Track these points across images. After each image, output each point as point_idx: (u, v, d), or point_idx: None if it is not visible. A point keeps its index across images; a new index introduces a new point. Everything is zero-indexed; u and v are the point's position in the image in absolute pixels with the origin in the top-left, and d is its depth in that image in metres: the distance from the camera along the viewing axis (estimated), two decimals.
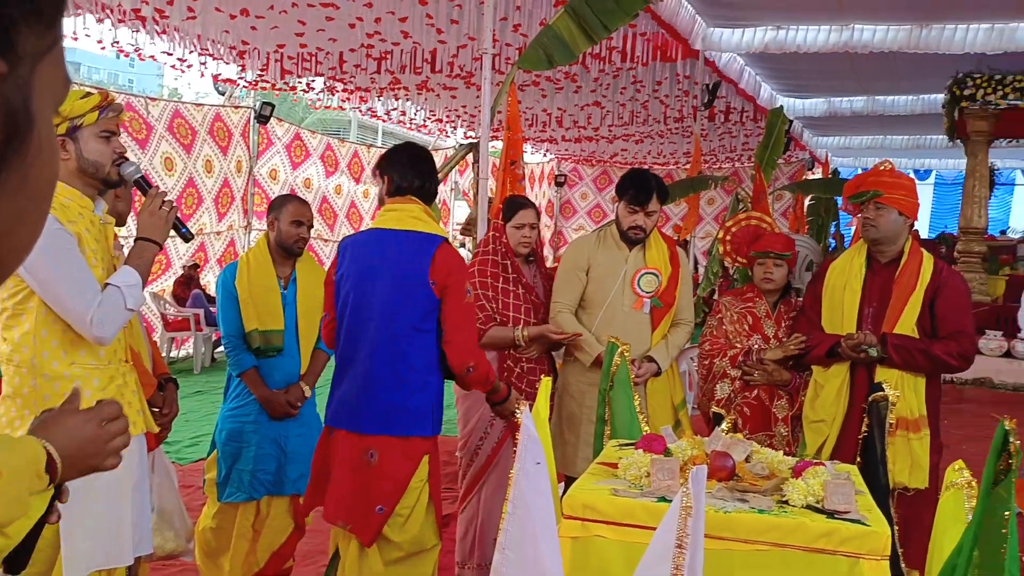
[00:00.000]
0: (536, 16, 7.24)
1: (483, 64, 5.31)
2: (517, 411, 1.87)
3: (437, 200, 5.36)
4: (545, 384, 2.36)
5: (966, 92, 10.49)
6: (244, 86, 10.93)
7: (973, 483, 2.06)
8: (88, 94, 2.31)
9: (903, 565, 2.92)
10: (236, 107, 11.61)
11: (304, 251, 3.53)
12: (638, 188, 3.64)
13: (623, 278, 3.69)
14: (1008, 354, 9.56)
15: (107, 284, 2.26)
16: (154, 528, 2.86)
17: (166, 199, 2.42)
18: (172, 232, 2.47)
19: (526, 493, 1.89)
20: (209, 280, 10.43)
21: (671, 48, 9.01)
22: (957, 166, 18.12)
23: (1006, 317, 10.22)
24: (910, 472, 3.28)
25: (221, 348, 10.44)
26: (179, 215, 2.47)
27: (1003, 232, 18.38)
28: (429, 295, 2.79)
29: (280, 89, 11.06)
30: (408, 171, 2.91)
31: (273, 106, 11.79)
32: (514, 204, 3.88)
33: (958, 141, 11.84)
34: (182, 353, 10.41)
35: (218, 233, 11.14)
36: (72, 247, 2.21)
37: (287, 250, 3.46)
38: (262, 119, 11.55)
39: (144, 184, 2.46)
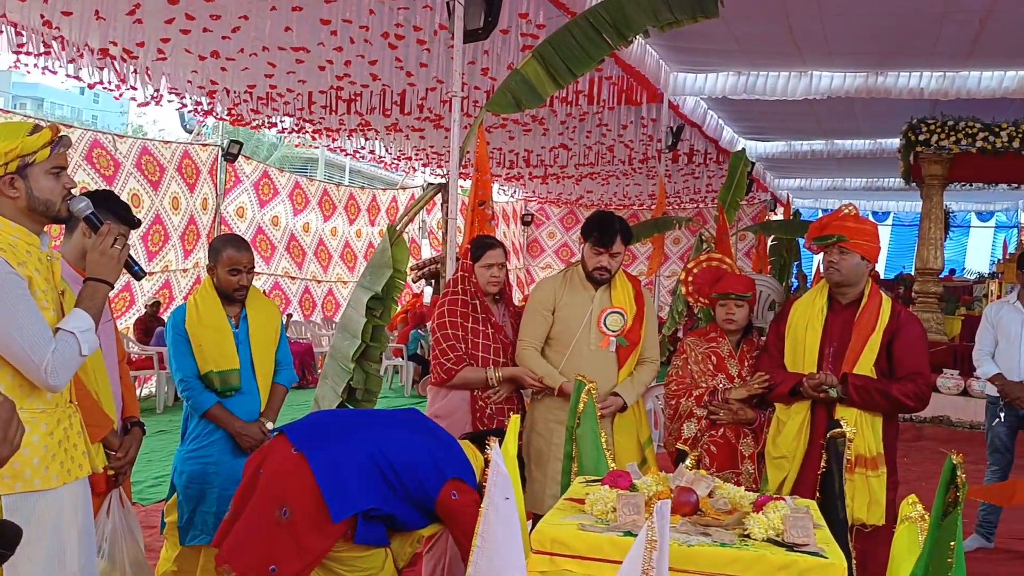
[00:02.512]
0: (504, 60, 7.39)
1: (452, 107, 5.40)
2: (488, 448, 1.92)
3: (406, 238, 5.43)
4: (514, 422, 2.41)
5: (921, 137, 10.80)
6: (217, 119, 10.98)
7: (926, 516, 2.14)
8: (37, 128, 2.25)
9: None
10: (204, 145, 11.64)
11: (249, 290, 3.51)
12: (603, 230, 3.73)
13: (589, 317, 3.76)
14: (965, 392, 9.75)
15: (59, 329, 2.17)
16: (103, 574, 2.79)
17: (119, 236, 2.34)
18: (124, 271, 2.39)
19: (495, 528, 1.93)
20: None
21: (636, 92, 9.23)
22: (913, 208, 18.61)
23: (962, 356, 10.44)
24: (868, 508, 3.36)
25: None
26: (131, 254, 2.39)
27: (953, 272, 18.80)
28: (431, 482, 2.79)
29: (249, 124, 11.11)
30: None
31: (241, 144, 11.84)
32: (483, 244, 3.94)
33: (914, 184, 12.16)
34: (144, 392, 10.29)
35: (184, 270, 11.10)
36: (24, 292, 2.13)
37: (228, 298, 3.46)
38: (230, 157, 11.59)
39: (95, 220, 2.39)
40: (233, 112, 10.25)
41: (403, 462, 2.78)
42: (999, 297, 8.82)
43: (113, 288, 2.36)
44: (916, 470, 6.82)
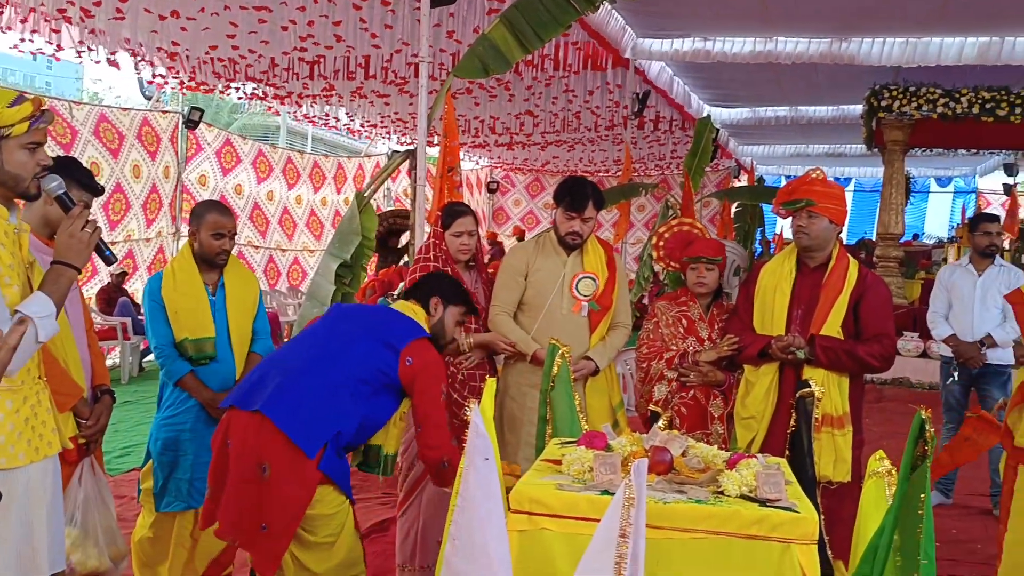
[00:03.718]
0: (469, 23, 7.32)
1: (420, 72, 5.35)
2: (467, 408, 1.93)
3: (373, 206, 5.40)
4: (490, 384, 2.43)
5: (883, 103, 10.93)
6: (174, 88, 10.76)
7: (893, 471, 2.20)
8: (20, 98, 2.16)
9: (829, 553, 3.07)
10: (164, 112, 11.42)
11: (229, 258, 3.51)
12: (575, 195, 3.74)
13: (562, 282, 3.79)
14: (924, 354, 9.97)
15: (18, 312, 2.07)
16: (77, 544, 2.79)
17: (89, 219, 2.24)
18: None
19: (475, 487, 1.95)
20: (137, 288, 10.22)
21: (602, 57, 9.19)
22: (875, 174, 18.83)
23: (922, 319, 10.65)
24: (834, 466, 3.44)
25: (150, 357, 10.26)
26: (101, 238, 2.30)
27: (915, 237, 19.12)
28: (392, 365, 2.89)
29: (211, 90, 10.91)
30: (415, 287, 3.28)
31: (202, 111, 11.62)
32: (453, 211, 3.93)
33: (876, 150, 12.32)
34: (109, 363, 10.17)
35: (147, 240, 10.93)
36: None
37: (209, 262, 3.44)
38: (191, 124, 11.38)
39: (67, 200, 2.31)
40: (194, 77, 10.04)
41: (357, 365, 2.86)
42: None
43: (80, 273, 2.28)
44: (878, 430, 6.98)
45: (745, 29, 9.78)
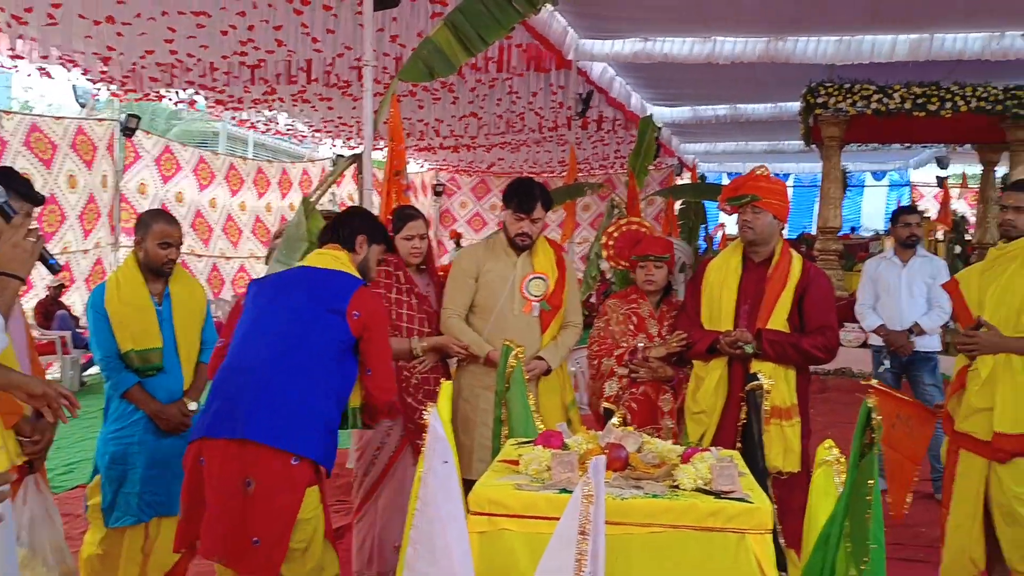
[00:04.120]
0: (413, 27, 7.30)
1: (364, 76, 5.33)
2: (424, 412, 1.93)
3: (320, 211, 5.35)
4: (446, 387, 2.43)
5: (819, 100, 11.19)
6: (110, 95, 10.52)
7: (842, 459, 2.26)
8: None
9: (782, 542, 3.14)
10: (100, 120, 11.17)
11: (175, 267, 3.48)
12: (523, 197, 3.76)
13: (512, 283, 3.80)
14: (865, 344, 10.20)
15: None
16: (25, 564, 2.72)
17: (31, 228, 2.17)
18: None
19: (434, 490, 1.96)
20: (74, 301, 9.98)
21: (545, 59, 9.24)
22: (813, 169, 19.23)
23: None
24: (783, 457, 3.52)
25: (91, 371, 10.02)
26: (45, 247, 2.23)
27: (853, 230, 19.59)
28: (345, 328, 2.89)
29: (147, 96, 10.69)
30: (332, 225, 3.19)
31: (139, 118, 11.40)
32: (403, 215, 3.93)
33: (813, 146, 12.58)
34: (48, 378, 9.88)
35: (84, 251, 10.68)
36: None
37: (155, 272, 3.40)
38: (128, 132, 11.15)
39: (7, 210, 2.24)
40: (130, 81, 9.84)
41: (318, 344, 2.86)
42: None
43: (25, 283, 2.21)
44: (823, 420, 7.13)
45: (684, 30, 9.92)
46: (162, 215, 3.50)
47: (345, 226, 3.17)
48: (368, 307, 2.95)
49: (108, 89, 10.18)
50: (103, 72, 9.55)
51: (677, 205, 12.55)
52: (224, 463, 2.71)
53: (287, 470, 2.72)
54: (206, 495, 2.74)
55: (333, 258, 3.07)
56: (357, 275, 3.05)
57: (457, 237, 16.26)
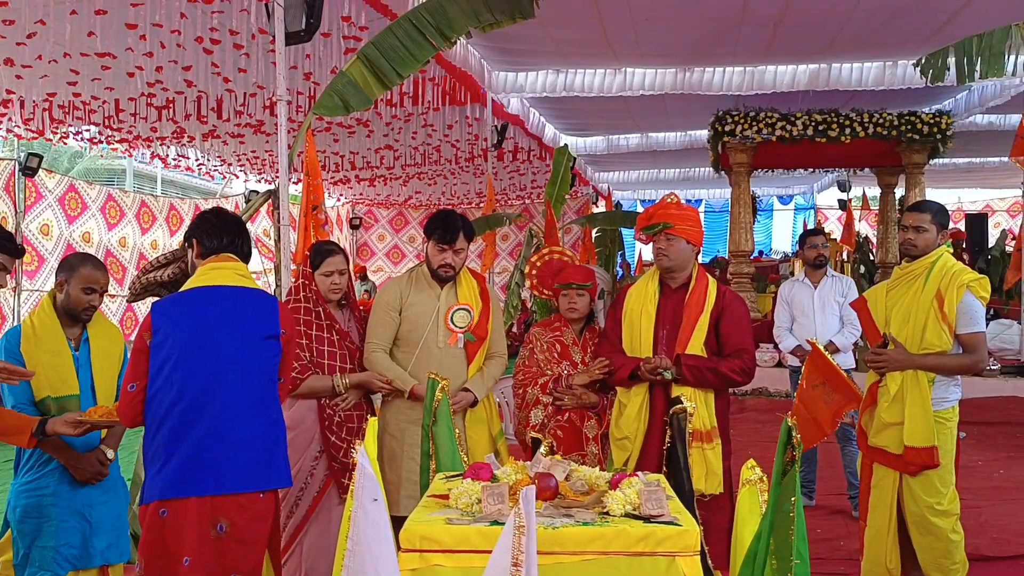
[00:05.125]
0: (327, 64, 7.28)
1: (278, 111, 5.29)
2: (353, 452, 1.91)
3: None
4: (372, 424, 2.41)
5: (727, 128, 11.56)
6: (6, 135, 10.14)
7: (764, 478, 2.32)
8: None
9: (710, 563, 3.18)
10: None
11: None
12: (446, 228, 3.77)
13: (436, 315, 3.80)
14: (780, 364, 10.49)
15: None
16: None
17: None
18: None
19: (365, 530, 1.93)
20: None
21: (460, 92, 9.32)
22: (723, 195, 19.80)
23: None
24: (706, 479, 3.56)
25: None
26: None
27: (762, 253, 20.19)
28: (277, 347, 2.91)
29: (49, 137, 10.36)
30: (217, 231, 2.96)
31: (41, 157, 10.98)
32: (321, 251, 3.89)
33: (723, 172, 12.96)
34: None
35: None
36: None
37: (74, 317, 3.28)
38: (28, 171, 10.73)
39: None
40: (31, 123, 9.52)
41: (266, 372, 2.86)
42: None
43: None
44: (743, 439, 7.27)
45: (595, 62, 10.17)
46: (90, 259, 3.35)
47: (226, 232, 2.96)
48: (289, 321, 3.00)
49: (7, 128, 9.81)
50: (1, 114, 9.23)
51: (594, 233, 12.76)
52: (199, 518, 2.68)
53: (255, 506, 2.77)
54: (180, 549, 2.66)
55: (237, 274, 2.92)
56: (263, 289, 3.02)
57: (362, 271, 16.06)
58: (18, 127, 9.77)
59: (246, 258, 3.01)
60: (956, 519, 3.62)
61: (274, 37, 5.17)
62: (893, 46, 9.60)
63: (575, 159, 11.79)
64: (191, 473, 2.68)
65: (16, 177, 10.71)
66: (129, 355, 2.88)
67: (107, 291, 3.36)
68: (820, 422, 3.70)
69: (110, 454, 3.29)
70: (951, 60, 6.29)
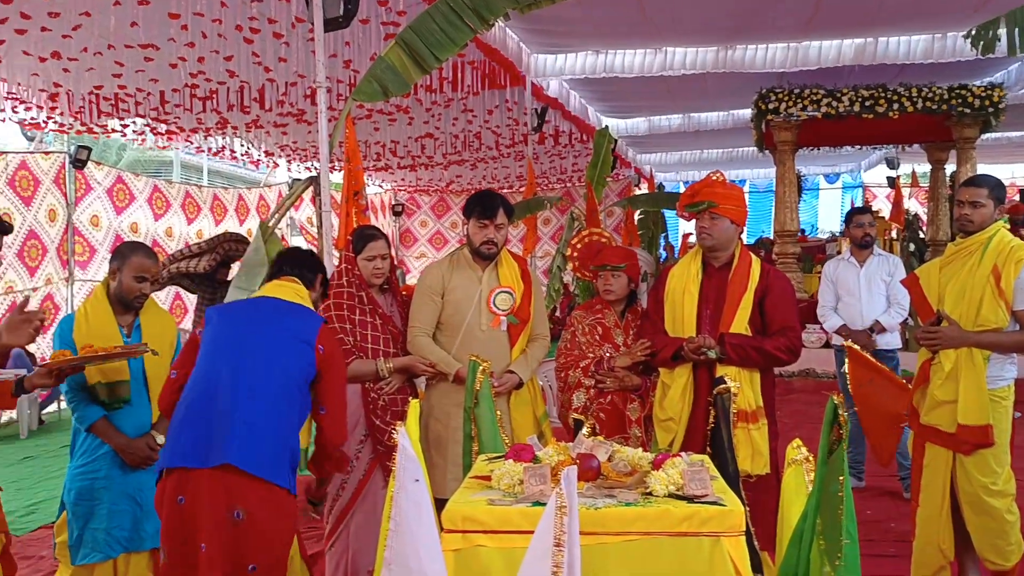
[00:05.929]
0: (365, 50, 7.29)
1: (318, 98, 5.31)
2: (393, 432, 1.91)
3: (278, 235, 5.30)
4: (414, 406, 2.42)
5: (770, 106, 11.36)
6: (53, 130, 10.33)
7: (811, 458, 2.28)
8: None
9: (756, 544, 3.15)
10: (47, 153, 10.95)
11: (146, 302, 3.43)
12: (485, 203, 3.76)
13: (479, 298, 3.79)
14: (827, 345, 10.33)
15: None
16: None
17: None
18: None
19: (407, 510, 1.94)
20: None
21: (499, 76, 9.27)
22: (767, 175, 19.48)
23: None
24: (752, 460, 3.53)
25: (49, 409, 9.80)
26: None
27: (805, 232, 19.88)
28: (311, 360, 2.88)
29: (95, 131, 10.54)
30: (288, 262, 3.20)
31: (90, 149, 11.17)
32: (363, 236, 3.91)
33: (767, 151, 12.76)
34: (4, 418, 9.67)
35: (34, 289, 10.44)
36: None
37: (126, 304, 3.36)
38: (78, 164, 10.94)
39: None
40: (79, 116, 9.69)
41: (290, 372, 2.84)
42: None
43: None
44: (790, 421, 7.20)
45: (635, 42, 10.04)
46: (142, 248, 3.44)
47: (306, 263, 3.23)
48: (330, 345, 2.97)
49: (57, 122, 10.00)
50: (52, 108, 9.41)
51: (636, 215, 12.68)
52: (211, 495, 2.66)
53: (274, 498, 2.72)
54: (198, 535, 2.66)
55: (294, 292, 3.08)
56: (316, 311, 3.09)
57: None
58: (67, 121, 9.94)
59: (310, 285, 3.18)
60: (1012, 499, 3.54)
61: (313, 24, 5.20)
62: (942, 16, 9.33)
63: (616, 141, 11.66)
64: (201, 444, 2.70)
65: (67, 169, 10.93)
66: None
67: (158, 279, 3.44)
68: (890, 414, 3.66)
69: (160, 439, 3.35)
70: (1002, 31, 6.07)
